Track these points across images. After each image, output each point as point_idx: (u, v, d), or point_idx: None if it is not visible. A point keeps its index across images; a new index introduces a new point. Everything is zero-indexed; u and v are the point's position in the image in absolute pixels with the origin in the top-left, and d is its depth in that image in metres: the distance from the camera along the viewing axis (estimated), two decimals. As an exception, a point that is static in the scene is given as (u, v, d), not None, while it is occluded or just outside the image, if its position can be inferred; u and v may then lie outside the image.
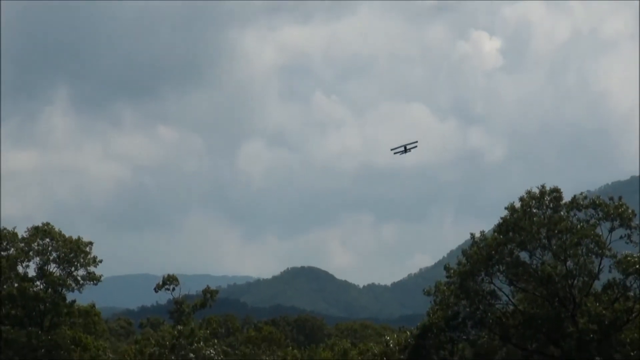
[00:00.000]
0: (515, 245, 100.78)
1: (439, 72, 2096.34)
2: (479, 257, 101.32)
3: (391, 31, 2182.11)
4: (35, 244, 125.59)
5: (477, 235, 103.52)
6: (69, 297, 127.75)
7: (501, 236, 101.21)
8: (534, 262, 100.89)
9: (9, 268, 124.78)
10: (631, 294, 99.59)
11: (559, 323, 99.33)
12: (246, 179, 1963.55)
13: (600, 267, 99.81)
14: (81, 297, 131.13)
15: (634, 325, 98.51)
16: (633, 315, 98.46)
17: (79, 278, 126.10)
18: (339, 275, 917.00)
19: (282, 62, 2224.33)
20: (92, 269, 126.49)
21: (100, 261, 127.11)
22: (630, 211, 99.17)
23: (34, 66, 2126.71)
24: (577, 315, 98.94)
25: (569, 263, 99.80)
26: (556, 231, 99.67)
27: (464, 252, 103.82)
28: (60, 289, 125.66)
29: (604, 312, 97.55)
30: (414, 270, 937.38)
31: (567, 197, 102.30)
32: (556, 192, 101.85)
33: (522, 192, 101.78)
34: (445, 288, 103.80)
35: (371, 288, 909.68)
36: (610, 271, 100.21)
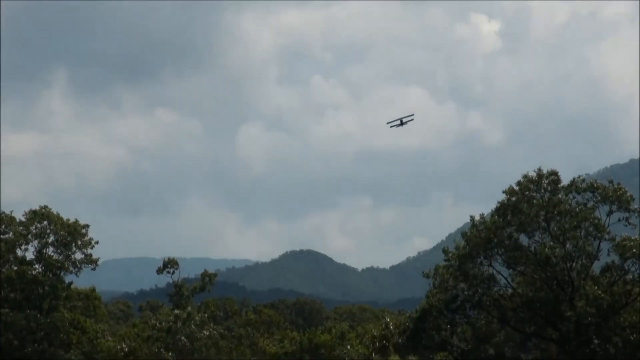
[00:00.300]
0: (514, 229, 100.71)
1: (438, 55, 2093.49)
2: (478, 241, 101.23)
3: (390, 14, 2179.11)
4: (34, 227, 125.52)
5: (477, 218, 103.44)
6: (67, 280, 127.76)
7: (500, 219, 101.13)
8: (533, 245, 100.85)
9: (7, 251, 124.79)
10: (630, 277, 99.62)
11: (557, 306, 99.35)
12: (245, 162, 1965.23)
13: (599, 250, 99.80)
14: (80, 281, 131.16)
15: (632, 309, 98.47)
16: (631, 298, 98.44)
17: (76, 261, 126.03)
18: (338, 259, 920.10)
19: (281, 45, 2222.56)
20: (88, 251, 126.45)
21: (97, 242, 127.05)
22: (628, 194, 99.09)
23: (33, 49, 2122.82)
24: (575, 299, 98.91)
25: (567, 246, 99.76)
26: (555, 213, 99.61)
27: (463, 235, 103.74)
28: (58, 272, 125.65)
29: (602, 295, 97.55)
30: (413, 253, 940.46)
31: (565, 181, 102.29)
32: (554, 175, 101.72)
33: (520, 175, 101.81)
34: (444, 271, 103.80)
35: (370, 271, 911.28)
36: (608, 254, 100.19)
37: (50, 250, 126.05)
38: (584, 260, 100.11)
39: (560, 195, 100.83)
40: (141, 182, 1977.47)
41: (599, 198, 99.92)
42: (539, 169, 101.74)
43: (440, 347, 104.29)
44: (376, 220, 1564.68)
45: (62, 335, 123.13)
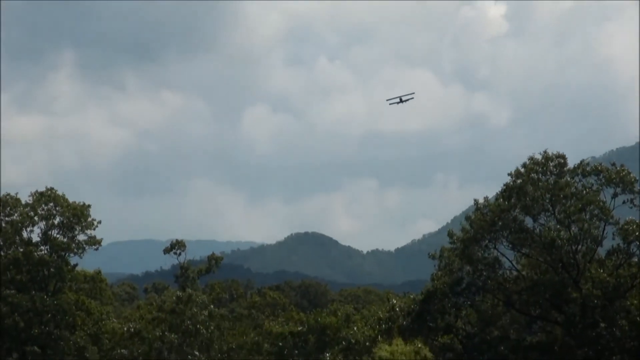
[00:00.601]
0: (519, 211, 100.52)
1: (444, 38, 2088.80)
2: (483, 223, 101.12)
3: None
4: (40, 208, 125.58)
5: (481, 201, 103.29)
6: (72, 261, 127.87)
7: (505, 202, 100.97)
8: (538, 227, 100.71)
9: (13, 233, 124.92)
10: (635, 260, 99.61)
11: (562, 289, 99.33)
12: (250, 144, 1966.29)
13: (604, 233, 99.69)
14: (85, 263, 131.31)
15: (638, 291, 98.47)
16: (637, 281, 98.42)
17: (80, 243, 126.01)
18: (343, 241, 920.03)
19: (286, 27, 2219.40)
20: (91, 232, 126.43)
21: (99, 222, 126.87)
22: (631, 175, 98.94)
23: (39, 31, 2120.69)
24: (580, 281, 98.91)
25: (573, 229, 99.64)
26: (561, 196, 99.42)
27: (467, 218, 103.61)
28: (64, 253, 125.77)
29: (607, 278, 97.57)
30: (418, 236, 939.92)
31: (571, 164, 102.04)
32: (561, 158, 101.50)
33: (526, 158, 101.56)
34: (450, 253, 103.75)
35: (375, 254, 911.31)
36: (613, 238, 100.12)
37: (55, 232, 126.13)
38: (589, 243, 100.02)
39: (567, 178, 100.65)
40: (147, 164, 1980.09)
41: (603, 181, 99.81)
42: (545, 152, 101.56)
43: (445, 330, 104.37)
44: (381, 202, 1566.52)
45: (67, 317, 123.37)
